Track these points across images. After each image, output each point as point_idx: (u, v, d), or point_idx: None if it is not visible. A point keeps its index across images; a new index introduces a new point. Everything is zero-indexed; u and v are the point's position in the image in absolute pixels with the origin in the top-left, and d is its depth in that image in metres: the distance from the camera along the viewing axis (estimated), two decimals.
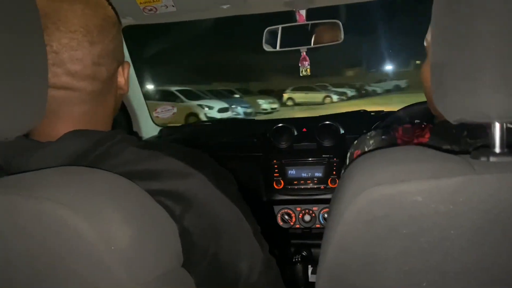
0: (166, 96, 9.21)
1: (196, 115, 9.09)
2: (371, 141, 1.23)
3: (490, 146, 0.45)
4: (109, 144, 0.59)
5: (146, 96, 1.75)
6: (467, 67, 0.44)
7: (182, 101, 9.44)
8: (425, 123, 0.74)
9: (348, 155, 0.95)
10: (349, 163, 0.79)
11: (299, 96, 13.21)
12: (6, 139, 0.50)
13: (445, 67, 0.48)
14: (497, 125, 0.44)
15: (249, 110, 11.04)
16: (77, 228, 0.44)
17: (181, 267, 0.56)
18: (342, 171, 0.92)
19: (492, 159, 0.44)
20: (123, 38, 0.71)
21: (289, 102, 13.15)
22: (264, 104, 11.94)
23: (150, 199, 0.53)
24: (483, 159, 0.44)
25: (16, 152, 0.57)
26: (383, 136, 1.19)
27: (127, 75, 0.70)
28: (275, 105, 12.08)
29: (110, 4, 0.67)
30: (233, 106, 10.42)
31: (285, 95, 13.34)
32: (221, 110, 9.72)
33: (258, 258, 0.66)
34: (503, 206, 0.41)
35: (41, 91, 0.54)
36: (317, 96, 13.39)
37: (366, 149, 0.89)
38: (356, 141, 1.16)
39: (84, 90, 0.61)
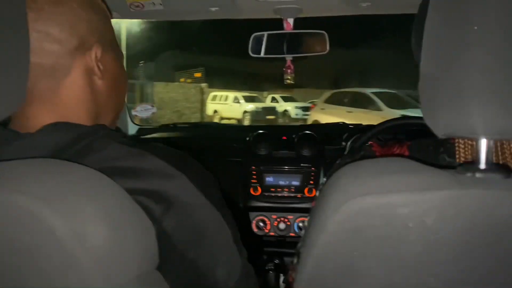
0: None
1: None
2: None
3: (476, 161, 0.45)
4: (92, 139, 0.57)
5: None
6: (455, 82, 0.44)
7: None
8: (403, 140, 0.75)
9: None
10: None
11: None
12: None
13: (434, 82, 0.48)
14: (484, 141, 0.45)
15: None
16: (50, 223, 0.42)
17: (156, 270, 0.54)
18: (324, 180, 0.92)
19: (477, 174, 0.44)
20: (104, 24, 0.67)
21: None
22: None
23: (129, 198, 0.51)
24: (468, 174, 0.45)
25: None
26: (361, 152, 1.21)
27: (95, 59, 0.64)
28: None
29: None
30: None
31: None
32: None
33: (237, 265, 0.64)
34: (487, 222, 0.42)
35: (20, 76, 0.52)
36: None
37: None
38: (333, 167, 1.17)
39: (30, 62, 0.56)
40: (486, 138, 0.45)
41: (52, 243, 0.43)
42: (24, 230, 0.43)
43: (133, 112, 1.76)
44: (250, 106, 13.15)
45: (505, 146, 0.54)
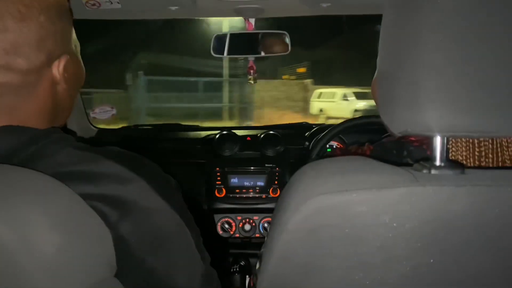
0: None
1: None
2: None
3: (431, 158, 0.46)
4: (44, 143, 0.54)
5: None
6: (410, 80, 0.45)
7: None
8: (367, 143, 0.76)
9: None
10: None
11: None
12: None
13: (391, 80, 0.49)
14: (438, 138, 0.46)
15: None
16: None
17: (114, 277, 0.52)
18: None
19: (433, 171, 0.45)
20: (68, 28, 0.65)
21: None
22: None
23: (82, 203, 0.48)
24: (424, 171, 0.45)
25: None
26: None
27: (61, 68, 0.62)
28: None
29: None
30: None
31: None
32: None
33: (198, 271, 0.63)
34: (443, 217, 0.42)
35: None
36: None
37: None
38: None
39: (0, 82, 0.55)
40: (440, 135, 0.45)
41: None
42: None
43: (92, 115, 1.71)
44: (363, 104, 10.57)
45: (459, 143, 0.56)
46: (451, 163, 0.46)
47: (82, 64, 0.71)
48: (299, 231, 0.46)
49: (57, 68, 0.61)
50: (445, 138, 0.46)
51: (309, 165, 0.53)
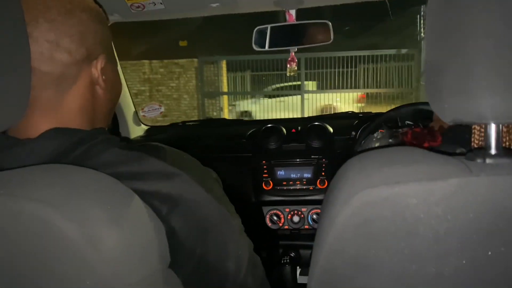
0: None
1: None
2: (376, 144, 1.22)
3: (486, 147, 0.44)
4: (90, 144, 0.58)
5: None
6: (461, 68, 0.43)
7: None
8: (433, 127, 0.73)
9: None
10: None
11: None
12: None
13: (440, 68, 0.47)
14: (493, 126, 0.44)
15: None
16: (61, 228, 0.43)
17: (168, 267, 0.55)
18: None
19: (488, 160, 0.43)
20: (107, 34, 0.69)
21: None
22: None
23: (137, 198, 0.51)
24: (479, 160, 0.43)
25: None
26: (390, 140, 1.18)
27: (99, 67, 0.65)
28: None
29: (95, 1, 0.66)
30: None
31: None
32: None
33: (245, 257, 0.65)
34: (499, 208, 0.41)
35: (23, 87, 0.52)
36: None
37: None
38: (363, 141, 1.13)
39: (39, 71, 0.58)
40: (495, 123, 0.43)
41: (64, 248, 0.43)
42: (36, 236, 0.43)
43: (141, 113, 1.77)
44: None
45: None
46: (507, 151, 0.44)
47: (120, 77, 0.76)
48: (348, 225, 0.45)
49: (96, 68, 0.65)
50: (500, 126, 0.44)
51: (356, 157, 0.52)
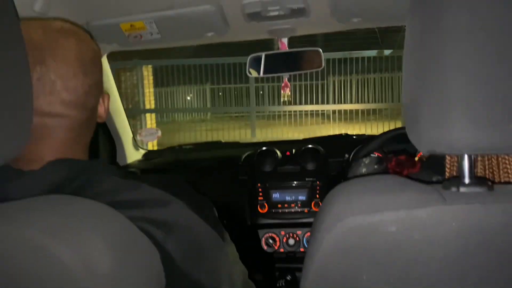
0: None
1: None
2: (363, 170, 1.25)
3: (460, 176, 0.47)
4: (90, 174, 0.61)
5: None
6: (436, 101, 0.46)
7: None
8: (415, 155, 0.76)
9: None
10: None
11: None
12: None
13: (417, 100, 0.50)
14: (466, 157, 0.46)
15: None
16: (58, 254, 0.44)
17: None
18: None
19: (462, 189, 0.46)
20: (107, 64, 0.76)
21: None
22: None
23: (132, 225, 0.53)
24: (453, 189, 0.46)
25: None
26: (375, 166, 1.22)
27: (107, 104, 0.73)
28: None
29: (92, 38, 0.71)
30: None
31: None
32: None
33: (238, 283, 0.67)
34: (473, 235, 0.43)
35: (25, 121, 0.55)
36: None
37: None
38: (353, 164, 1.16)
39: (74, 118, 0.64)
40: (468, 154, 0.46)
41: (61, 274, 0.45)
42: (34, 262, 0.45)
43: (138, 137, 1.79)
44: None
45: (486, 160, 0.55)
46: (480, 180, 0.46)
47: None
48: (333, 251, 0.47)
49: (102, 104, 0.72)
50: (473, 156, 0.46)
51: (342, 184, 0.54)
